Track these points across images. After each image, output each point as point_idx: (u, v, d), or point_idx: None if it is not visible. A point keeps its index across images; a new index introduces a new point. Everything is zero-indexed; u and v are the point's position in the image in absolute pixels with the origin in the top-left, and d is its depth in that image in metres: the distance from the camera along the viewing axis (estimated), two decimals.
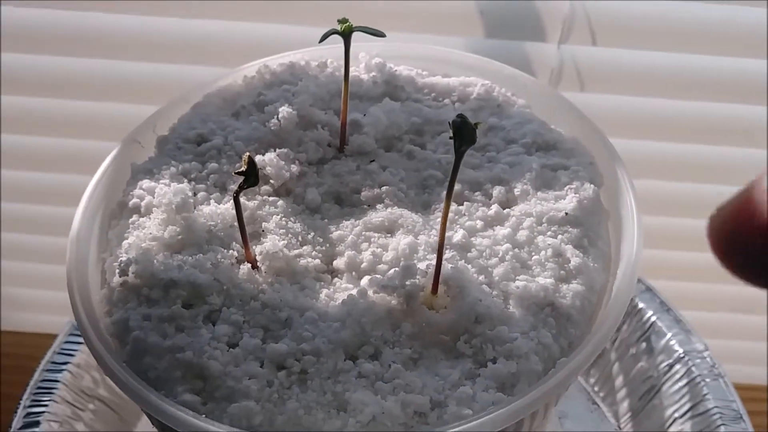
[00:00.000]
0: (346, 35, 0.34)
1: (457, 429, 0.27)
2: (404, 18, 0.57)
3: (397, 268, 0.32)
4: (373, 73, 0.40)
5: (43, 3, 0.58)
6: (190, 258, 0.32)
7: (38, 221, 0.73)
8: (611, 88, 0.61)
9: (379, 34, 0.34)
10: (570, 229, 0.34)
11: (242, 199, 0.34)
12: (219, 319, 0.31)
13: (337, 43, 0.37)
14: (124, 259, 0.32)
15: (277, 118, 0.37)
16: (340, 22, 0.34)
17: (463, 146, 0.28)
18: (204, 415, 0.28)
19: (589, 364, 0.30)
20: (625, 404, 0.54)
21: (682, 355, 0.52)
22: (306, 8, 0.56)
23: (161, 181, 0.35)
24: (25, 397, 0.48)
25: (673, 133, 0.64)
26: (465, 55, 0.42)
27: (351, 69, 0.39)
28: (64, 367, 0.50)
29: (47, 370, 0.50)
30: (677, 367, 0.52)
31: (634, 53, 0.59)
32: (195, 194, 0.35)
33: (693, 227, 0.70)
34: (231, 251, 0.33)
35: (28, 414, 0.47)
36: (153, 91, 0.61)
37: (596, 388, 0.56)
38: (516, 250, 0.33)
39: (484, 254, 0.33)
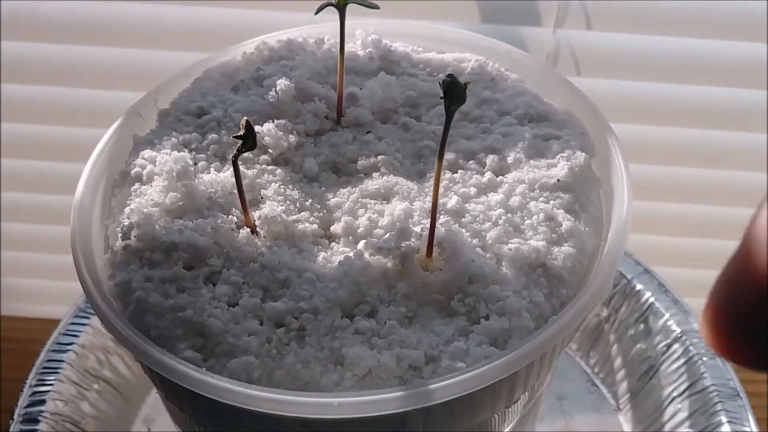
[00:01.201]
0: (341, 7, 0.35)
1: (450, 380, 0.28)
2: (401, 4, 0.58)
3: (392, 232, 0.32)
4: (369, 49, 0.41)
5: None
6: (191, 222, 0.33)
7: (39, 210, 0.74)
8: (607, 73, 0.62)
9: (373, 6, 0.35)
10: (562, 194, 0.35)
11: (242, 168, 0.35)
12: (219, 280, 0.32)
13: (333, 22, 0.38)
14: (126, 223, 0.33)
15: (275, 90, 0.38)
16: None
17: (453, 105, 0.29)
18: (205, 369, 0.29)
19: (579, 320, 0.31)
20: (624, 385, 0.55)
21: (679, 335, 0.53)
22: None
23: (162, 151, 0.36)
24: (30, 376, 0.49)
25: (669, 117, 0.64)
26: (459, 32, 0.43)
27: (347, 46, 0.40)
28: (69, 347, 0.51)
29: (53, 351, 0.50)
30: (675, 346, 0.53)
31: (630, 37, 0.60)
32: (195, 163, 0.36)
33: (688, 212, 0.70)
34: (231, 216, 0.34)
35: (34, 393, 0.48)
36: (152, 79, 0.61)
37: (596, 370, 0.57)
38: (509, 215, 0.34)
39: (477, 219, 0.34)
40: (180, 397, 0.32)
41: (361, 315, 0.31)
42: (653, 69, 0.61)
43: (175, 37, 0.60)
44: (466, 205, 0.34)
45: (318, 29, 0.43)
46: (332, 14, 0.36)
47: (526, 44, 0.59)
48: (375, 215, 0.34)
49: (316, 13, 0.35)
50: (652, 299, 0.55)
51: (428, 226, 0.32)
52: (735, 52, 0.60)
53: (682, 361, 0.52)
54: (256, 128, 0.36)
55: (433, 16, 0.58)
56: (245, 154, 0.35)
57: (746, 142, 0.65)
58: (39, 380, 0.49)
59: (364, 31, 0.42)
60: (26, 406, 0.48)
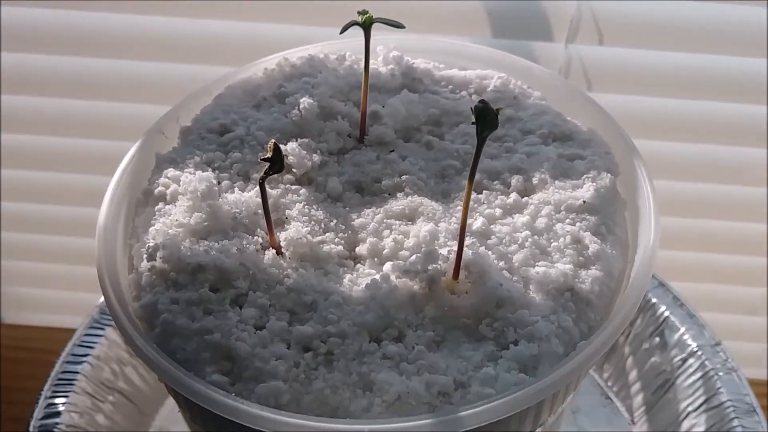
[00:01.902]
0: (367, 26, 0.35)
1: (480, 408, 0.28)
2: (413, 18, 0.57)
3: (418, 254, 0.32)
4: (391, 66, 0.41)
5: (45, 3, 0.59)
6: (216, 244, 0.33)
7: (50, 221, 0.74)
8: (618, 88, 0.62)
9: (398, 26, 0.35)
10: (588, 216, 0.35)
11: (266, 187, 0.35)
12: (246, 303, 0.32)
13: (354, 37, 0.38)
14: (151, 244, 0.33)
15: (298, 108, 0.37)
16: (360, 13, 0.35)
17: (485, 131, 0.29)
18: (233, 395, 0.29)
19: (609, 346, 0.31)
20: (638, 398, 0.55)
21: (695, 350, 0.52)
22: (318, 8, 0.57)
23: (186, 170, 0.36)
24: (46, 387, 0.49)
25: (681, 132, 0.64)
26: (481, 48, 0.43)
27: (369, 62, 0.40)
28: (84, 359, 0.51)
29: (67, 362, 0.50)
30: (690, 361, 0.53)
31: (641, 53, 0.60)
32: (219, 183, 0.36)
33: (701, 227, 0.70)
34: (256, 237, 0.34)
35: (50, 405, 0.48)
36: (160, 92, 0.61)
37: (610, 383, 0.57)
38: (535, 237, 0.34)
39: (503, 241, 0.34)
40: (206, 420, 0.32)
41: (389, 339, 0.31)
42: (664, 84, 0.61)
43: (188, 51, 0.60)
44: (492, 226, 0.34)
45: (339, 45, 0.42)
46: (352, 29, 0.36)
47: (538, 59, 0.59)
48: (400, 236, 0.34)
49: (342, 32, 0.35)
50: (667, 313, 0.55)
51: (454, 248, 0.32)
52: (747, 68, 0.60)
53: (698, 375, 0.52)
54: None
55: (445, 31, 0.58)
56: None
57: (761, 157, 0.65)
58: (54, 392, 0.49)
59: (385, 47, 0.42)
60: (41, 418, 0.48)
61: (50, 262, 0.78)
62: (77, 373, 0.50)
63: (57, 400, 0.48)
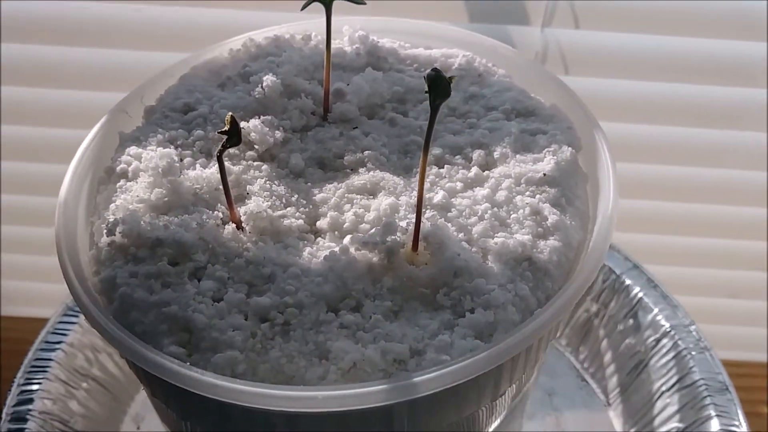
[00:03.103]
0: (328, 3, 0.35)
1: (434, 373, 0.28)
2: (390, 4, 0.58)
3: (378, 227, 0.32)
4: (357, 45, 0.41)
5: None
6: (176, 218, 0.33)
7: (37, 213, 0.74)
8: (594, 71, 0.62)
9: (359, 2, 0.35)
10: (548, 189, 0.35)
11: (228, 164, 0.35)
12: (204, 276, 0.32)
13: (321, 17, 0.38)
14: (111, 219, 0.33)
15: (262, 86, 0.37)
16: None
17: (437, 99, 0.29)
18: (188, 364, 0.29)
19: (565, 313, 0.31)
20: (613, 380, 0.55)
21: (668, 330, 0.53)
22: None
23: (148, 148, 0.36)
24: (19, 375, 0.49)
25: (657, 115, 0.64)
26: (447, 28, 0.43)
27: (335, 42, 0.40)
28: (57, 346, 0.51)
29: (41, 350, 0.50)
30: (664, 341, 0.53)
31: (617, 36, 0.60)
32: (181, 160, 0.36)
33: (677, 210, 0.70)
34: (216, 212, 0.34)
35: (22, 392, 0.48)
36: (140, 79, 0.61)
37: (585, 365, 0.57)
38: (495, 209, 0.34)
39: (463, 213, 0.34)
40: (165, 394, 0.32)
41: (347, 309, 0.31)
42: (640, 67, 0.61)
43: (165, 38, 0.60)
44: (453, 199, 0.34)
45: (305, 26, 0.43)
46: (320, 10, 0.36)
47: (515, 43, 0.59)
48: (361, 210, 0.34)
49: (303, 8, 0.35)
50: (641, 294, 0.55)
51: (414, 220, 0.32)
52: (723, 51, 0.60)
53: (671, 355, 0.52)
54: (242, 124, 0.36)
55: (422, 16, 0.58)
56: (231, 150, 0.35)
57: (734, 139, 0.65)
58: (27, 379, 0.49)
59: (351, 28, 0.42)
60: (14, 405, 0.47)
61: (30, 253, 0.78)
62: (50, 360, 0.50)
63: (30, 387, 0.48)
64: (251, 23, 0.59)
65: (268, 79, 0.38)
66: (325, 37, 0.37)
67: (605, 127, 0.38)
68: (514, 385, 0.34)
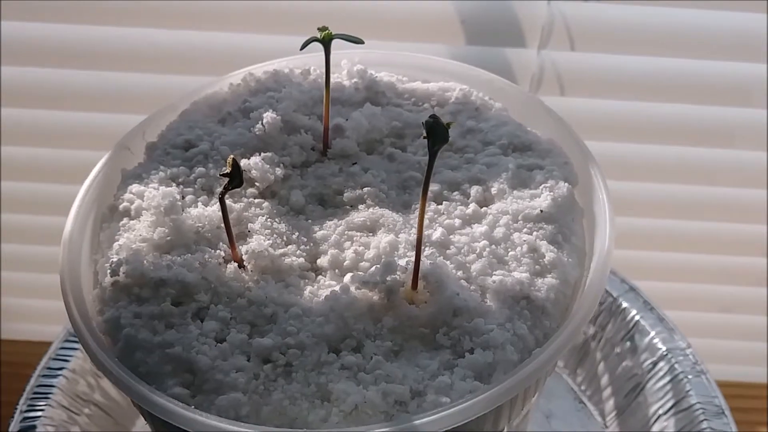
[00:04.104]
0: (326, 42, 0.36)
1: (435, 416, 0.28)
2: (386, 26, 0.59)
3: (378, 265, 0.33)
4: (355, 80, 0.42)
5: (37, 16, 0.60)
6: (179, 258, 0.33)
7: (35, 231, 0.74)
8: (590, 92, 0.62)
9: (357, 41, 0.36)
10: (545, 225, 0.35)
11: (229, 202, 0.36)
12: (207, 316, 0.32)
13: (320, 51, 0.39)
14: (114, 259, 0.33)
15: (262, 123, 0.38)
16: (320, 30, 0.36)
17: (436, 145, 0.30)
18: (193, 407, 0.29)
19: (563, 352, 0.31)
20: (610, 402, 0.55)
21: (665, 353, 0.53)
22: (289, 18, 0.58)
23: (150, 185, 0.36)
24: (21, 401, 0.49)
25: (652, 135, 0.65)
26: (444, 62, 0.43)
27: (333, 76, 0.41)
28: (59, 372, 0.51)
29: (43, 376, 0.51)
30: (661, 364, 0.53)
31: (613, 57, 0.61)
32: (183, 197, 0.36)
33: (671, 228, 0.71)
34: (218, 251, 0.34)
35: (25, 419, 0.48)
36: (140, 102, 0.62)
37: (582, 387, 0.57)
38: (493, 246, 0.34)
39: (462, 251, 0.34)
40: None
41: (348, 350, 0.31)
42: (636, 88, 0.62)
43: (164, 61, 0.60)
44: (451, 236, 0.35)
45: (304, 59, 0.43)
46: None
47: (511, 65, 0.60)
48: (361, 248, 0.34)
49: (302, 48, 0.36)
50: (637, 317, 0.55)
51: (413, 259, 0.33)
52: (718, 71, 0.61)
53: (667, 378, 0.53)
54: (243, 162, 0.36)
55: (419, 39, 0.59)
56: None
57: (731, 159, 0.66)
58: (30, 405, 0.49)
59: (349, 61, 0.42)
60: None
61: (30, 271, 0.78)
62: (53, 386, 0.50)
63: (32, 414, 0.49)
64: (246, 46, 0.60)
65: (268, 115, 0.38)
66: (323, 70, 0.37)
67: (600, 146, 0.39)
68: (513, 420, 0.34)
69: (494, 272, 0.34)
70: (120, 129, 0.62)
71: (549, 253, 0.34)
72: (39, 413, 0.49)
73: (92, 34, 0.60)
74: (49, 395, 0.50)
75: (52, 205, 0.72)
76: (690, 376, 0.52)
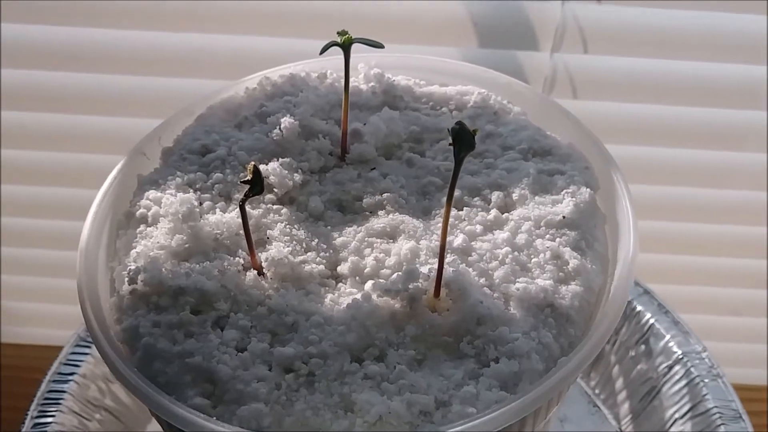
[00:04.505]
0: (346, 47, 0.35)
1: (461, 427, 0.28)
2: (399, 29, 0.58)
3: (399, 273, 0.32)
4: (372, 84, 0.41)
5: (42, 18, 0.59)
6: (198, 266, 0.33)
7: (39, 235, 0.74)
8: (603, 95, 0.62)
9: (378, 45, 0.35)
10: (567, 232, 0.35)
11: (247, 208, 0.35)
12: (227, 325, 0.32)
13: (335, 55, 0.38)
14: (132, 267, 0.33)
15: (280, 128, 0.38)
16: (339, 34, 0.35)
17: (462, 152, 0.29)
18: (214, 418, 0.29)
19: (589, 362, 0.31)
20: (625, 406, 0.55)
21: (681, 357, 0.53)
22: (304, 22, 0.57)
23: (167, 192, 0.36)
24: (32, 407, 0.49)
25: (666, 138, 0.65)
26: (461, 65, 0.43)
27: (350, 80, 0.40)
28: (70, 377, 0.51)
29: (54, 381, 0.50)
30: (676, 368, 0.53)
31: (626, 60, 0.60)
32: (200, 204, 0.36)
33: (687, 231, 0.71)
34: (237, 258, 0.34)
35: (36, 425, 0.48)
36: (154, 105, 0.62)
37: (597, 391, 0.57)
38: (515, 253, 0.34)
39: (484, 258, 0.34)
40: None
41: (370, 359, 0.31)
42: (649, 91, 0.62)
43: (178, 64, 0.60)
44: (473, 243, 0.34)
45: (321, 63, 0.43)
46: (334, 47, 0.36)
47: (524, 68, 0.60)
48: (381, 255, 0.34)
49: (322, 52, 0.35)
50: (652, 320, 0.55)
51: (435, 266, 0.32)
52: (731, 74, 0.61)
53: (683, 382, 0.52)
54: (261, 167, 0.36)
55: (432, 42, 0.59)
56: None
57: (743, 161, 0.66)
58: (41, 411, 0.49)
59: (366, 65, 0.42)
60: None
61: (35, 275, 0.78)
62: (64, 392, 0.50)
63: (44, 420, 0.48)
64: (261, 49, 0.59)
65: (286, 120, 0.38)
66: (340, 74, 0.37)
67: (614, 149, 0.38)
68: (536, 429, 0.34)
69: (517, 279, 0.33)
70: (122, 132, 0.63)
71: (573, 260, 0.34)
72: (50, 419, 0.48)
73: (94, 37, 0.60)
74: (60, 401, 0.49)
75: (54, 208, 0.71)
76: (706, 380, 0.51)
